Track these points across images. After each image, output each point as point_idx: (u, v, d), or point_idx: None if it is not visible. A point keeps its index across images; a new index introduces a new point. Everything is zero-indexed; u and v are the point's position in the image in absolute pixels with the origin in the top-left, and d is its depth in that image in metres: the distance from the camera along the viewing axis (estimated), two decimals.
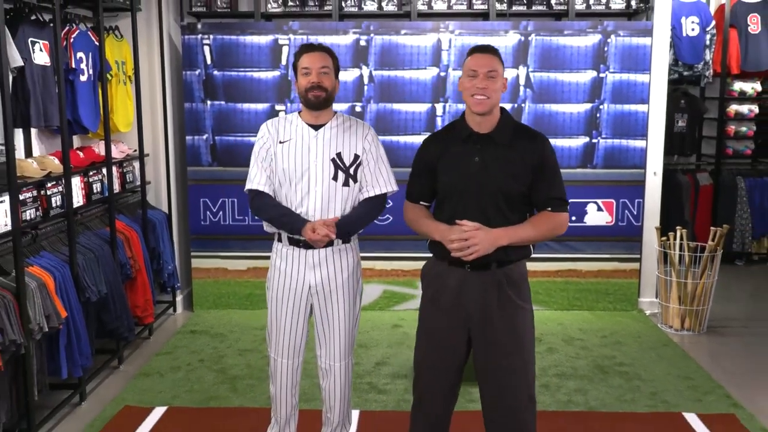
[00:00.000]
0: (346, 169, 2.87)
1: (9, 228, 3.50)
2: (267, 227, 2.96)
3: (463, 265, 2.70)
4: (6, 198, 3.48)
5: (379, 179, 2.94)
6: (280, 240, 2.93)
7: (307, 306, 2.93)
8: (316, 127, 2.88)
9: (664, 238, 5.44)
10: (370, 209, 2.96)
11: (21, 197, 3.63)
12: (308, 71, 2.83)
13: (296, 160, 2.84)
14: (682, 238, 5.35)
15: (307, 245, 2.86)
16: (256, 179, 2.91)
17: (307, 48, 2.89)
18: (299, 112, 2.95)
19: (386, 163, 2.98)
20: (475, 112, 2.71)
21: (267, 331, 2.99)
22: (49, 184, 3.98)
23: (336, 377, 2.97)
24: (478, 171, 2.70)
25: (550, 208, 2.74)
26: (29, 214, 3.76)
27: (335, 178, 2.86)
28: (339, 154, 2.87)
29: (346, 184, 2.88)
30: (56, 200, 4.03)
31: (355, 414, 3.90)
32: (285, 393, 2.99)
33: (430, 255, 2.85)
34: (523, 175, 2.71)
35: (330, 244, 2.88)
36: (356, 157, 2.90)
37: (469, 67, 2.71)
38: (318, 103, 2.85)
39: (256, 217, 3.03)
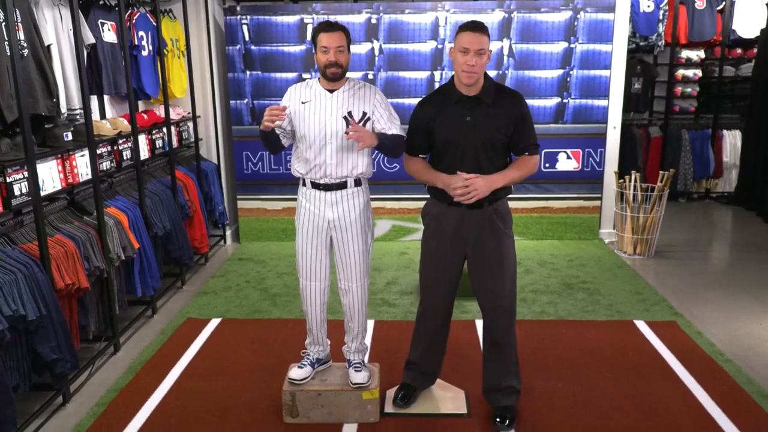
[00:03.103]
0: (353, 124, 2.81)
1: (90, 177, 3.50)
2: (295, 172, 2.92)
3: (460, 205, 2.70)
4: (86, 152, 3.47)
5: (395, 126, 2.83)
6: (304, 184, 2.90)
7: (327, 237, 2.91)
8: (332, 91, 2.82)
9: (621, 181, 5.40)
10: (398, 139, 2.82)
11: (98, 152, 3.62)
12: (326, 50, 2.73)
13: (315, 117, 2.79)
14: (635, 180, 5.31)
15: (327, 188, 2.84)
16: None
17: (326, 27, 2.77)
18: (318, 78, 2.87)
19: (396, 117, 2.88)
20: (464, 83, 2.65)
21: (297, 260, 3.00)
22: (121, 141, 3.96)
23: (353, 296, 2.98)
24: (470, 127, 2.66)
25: (527, 153, 2.74)
26: (105, 165, 3.75)
27: (347, 132, 2.82)
28: (349, 113, 2.81)
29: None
30: (127, 154, 4.02)
31: (370, 323, 3.96)
32: (315, 309, 3.01)
33: (428, 196, 2.87)
34: (505, 128, 2.68)
35: (344, 187, 2.85)
36: (364, 114, 2.82)
37: (461, 44, 2.59)
38: (335, 77, 2.78)
39: (267, 151, 2.92)
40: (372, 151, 2.90)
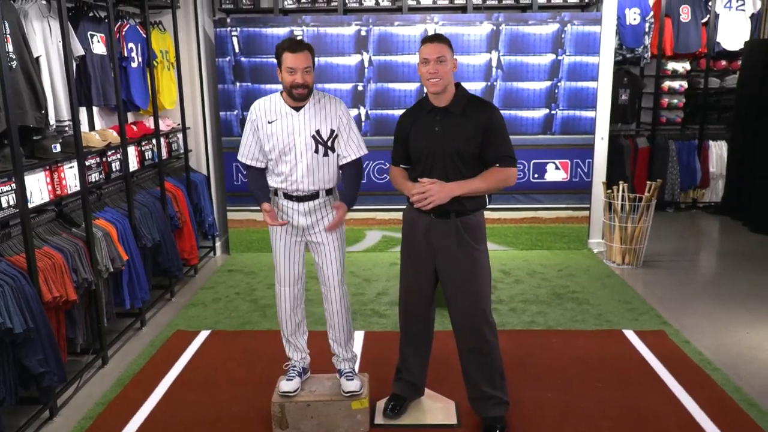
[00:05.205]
0: (324, 143, 2.82)
1: (78, 188, 3.49)
2: (271, 183, 2.93)
3: (429, 213, 2.72)
4: (74, 164, 3.46)
5: (351, 147, 2.88)
6: (276, 194, 2.92)
7: (302, 244, 2.95)
8: (298, 109, 2.80)
9: (609, 191, 5.44)
10: (354, 175, 2.93)
11: (87, 163, 3.61)
12: (293, 71, 2.69)
13: (283, 137, 2.78)
14: (623, 191, 5.35)
15: (300, 199, 2.86)
16: (245, 154, 2.89)
17: (291, 46, 2.69)
18: (281, 94, 2.84)
19: (356, 131, 2.91)
20: (431, 92, 2.69)
21: (274, 268, 3.02)
22: (110, 152, 3.96)
23: (333, 299, 2.99)
24: (438, 137, 2.69)
25: (498, 164, 2.69)
26: (94, 176, 3.75)
27: (316, 151, 2.80)
28: (318, 131, 2.80)
29: (325, 155, 2.83)
30: (116, 165, 4.01)
31: (360, 334, 3.96)
32: (287, 313, 3.02)
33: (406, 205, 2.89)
34: (474, 138, 2.67)
35: (315, 197, 2.86)
36: (332, 131, 2.83)
37: (422, 56, 2.65)
38: (301, 98, 2.76)
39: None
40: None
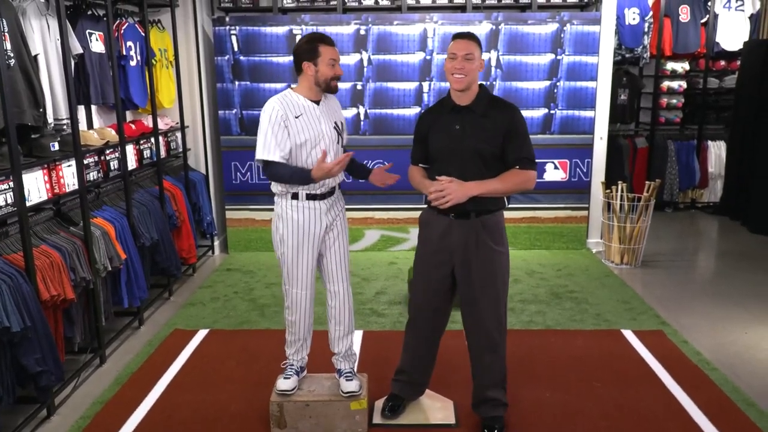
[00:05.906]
0: (340, 132, 2.93)
1: (76, 187, 3.48)
2: (283, 187, 2.88)
3: (448, 213, 2.70)
4: (73, 162, 3.45)
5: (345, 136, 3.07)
6: (295, 198, 2.88)
7: (321, 245, 2.95)
8: (318, 102, 2.87)
9: (607, 191, 5.45)
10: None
11: (85, 162, 3.60)
12: (335, 62, 2.80)
13: (313, 128, 2.81)
14: (622, 191, 5.35)
15: (323, 197, 2.87)
16: (271, 152, 2.77)
17: (328, 40, 2.81)
18: (294, 90, 2.86)
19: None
20: (454, 89, 2.68)
21: (286, 273, 2.94)
22: (108, 151, 3.95)
23: (342, 297, 3.00)
24: (458, 136, 2.68)
25: (518, 166, 2.68)
26: (92, 175, 3.74)
27: (338, 141, 2.90)
28: (336, 123, 2.91)
29: (341, 144, 2.96)
30: (114, 164, 4.00)
31: (359, 333, 3.95)
32: (307, 317, 3.01)
33: (425, 206, 2.86)
34: (494, 138, 2.66)
35: (333, 192, 2.92)
36: (342, 123, 2.97)
37: (450, 51, 2.66)
38: (335, 90, 2.86)
39: (271, 180, 2.93)
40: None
